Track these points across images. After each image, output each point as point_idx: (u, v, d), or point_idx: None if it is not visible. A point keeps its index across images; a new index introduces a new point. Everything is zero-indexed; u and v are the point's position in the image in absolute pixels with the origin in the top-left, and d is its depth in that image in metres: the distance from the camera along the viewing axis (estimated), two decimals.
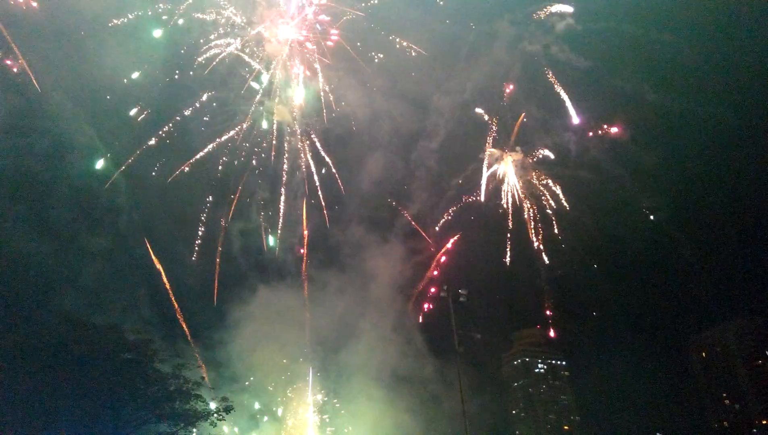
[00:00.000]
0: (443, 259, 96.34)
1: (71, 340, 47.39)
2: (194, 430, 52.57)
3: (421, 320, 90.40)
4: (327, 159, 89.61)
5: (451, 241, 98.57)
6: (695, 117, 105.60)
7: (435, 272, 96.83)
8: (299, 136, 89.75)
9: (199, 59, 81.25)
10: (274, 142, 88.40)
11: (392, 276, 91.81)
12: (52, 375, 45.85)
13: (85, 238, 72.32)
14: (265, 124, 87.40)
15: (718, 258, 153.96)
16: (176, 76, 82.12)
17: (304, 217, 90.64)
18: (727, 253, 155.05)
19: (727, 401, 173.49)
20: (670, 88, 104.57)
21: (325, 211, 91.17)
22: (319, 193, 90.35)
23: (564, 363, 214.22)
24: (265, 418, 79.14)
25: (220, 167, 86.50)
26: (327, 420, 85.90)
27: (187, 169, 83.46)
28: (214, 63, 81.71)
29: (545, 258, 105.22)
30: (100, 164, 78.79)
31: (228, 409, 54.45)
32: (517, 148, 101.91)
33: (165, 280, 79.67)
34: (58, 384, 46.28)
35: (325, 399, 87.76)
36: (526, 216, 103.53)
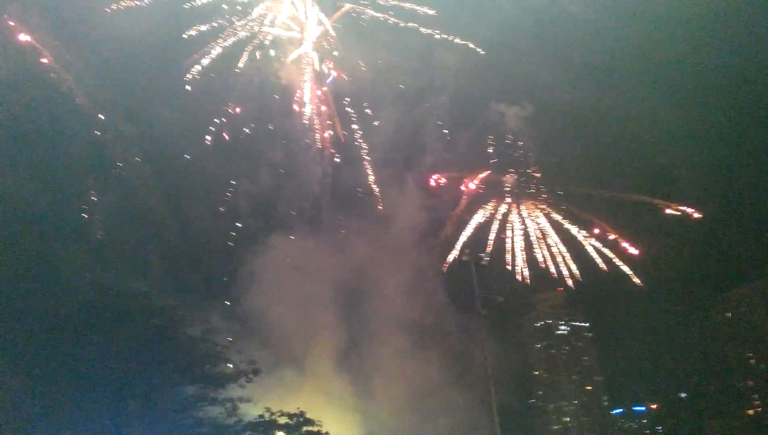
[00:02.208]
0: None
1: (102, 307, 48.62)
2: (223, 391, 53.78)
3: (445, 269, 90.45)
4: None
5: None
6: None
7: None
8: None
9: None
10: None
11: (415, 223, 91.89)
12: (84, 341, 47.21)
13: (101, 195, 72.66)
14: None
15: (744, 217, 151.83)
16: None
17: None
18: (753, 212, 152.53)
19: (752, 361, 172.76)
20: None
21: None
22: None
23: (587, 324, 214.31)
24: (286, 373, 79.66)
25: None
26: (350, 371, 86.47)
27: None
28: None
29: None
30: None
31: (256, 372, 55.56)
32: None
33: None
34: (89, 350, 47.65)
35: (348, 351, 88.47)
36: None
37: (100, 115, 77.38)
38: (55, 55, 72.10)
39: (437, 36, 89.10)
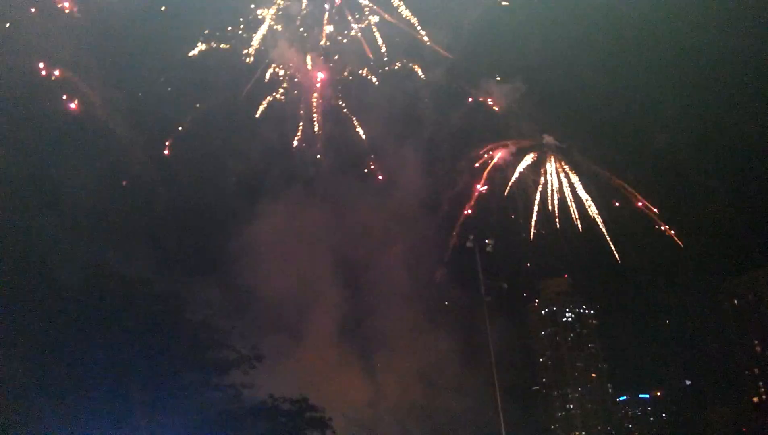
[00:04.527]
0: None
1: (102, 293, 48.33)
2: (225, 377, 53.57)
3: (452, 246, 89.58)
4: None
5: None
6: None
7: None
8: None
9: None
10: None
11: (420, 195, 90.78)
12: (84, 328, 46.96)
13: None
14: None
15: (752, 204, 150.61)
16: None
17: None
18: (761, 198, 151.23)
19: (758, 349, 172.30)
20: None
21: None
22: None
23: (592, 311, 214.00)
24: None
25: None
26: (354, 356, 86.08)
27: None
28: None
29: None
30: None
31: (259, 357, 55.26)
32: None
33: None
34: (89, 337, 47.40)
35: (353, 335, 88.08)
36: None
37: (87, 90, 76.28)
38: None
39: None
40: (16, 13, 68.06)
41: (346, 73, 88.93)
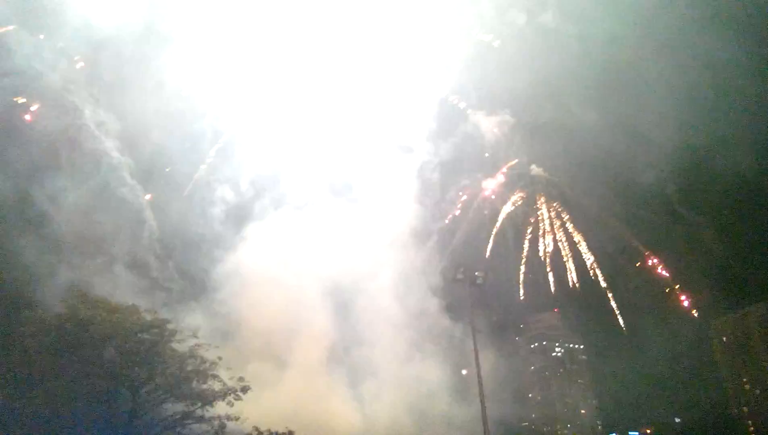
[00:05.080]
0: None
1: (88, 321, 47.81)
2: (210, 409, 52.73)
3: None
4: None
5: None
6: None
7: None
8: None
9: None
10: None
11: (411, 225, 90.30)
12: (68, 356, 46.37)
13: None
14: None
15: (740, 242, 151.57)
16: None
17: None
18: (749, 236, 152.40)
19: (747, 386, 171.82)
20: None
21: None
22: None
23: (581, 347, 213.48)
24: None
25: None
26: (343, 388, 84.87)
27: None
28: None
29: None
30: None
31: (245, 389, 54.55)
32: None
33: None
34: (73, 366, 46.79)
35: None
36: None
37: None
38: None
39: None
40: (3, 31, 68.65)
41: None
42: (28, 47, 70.02)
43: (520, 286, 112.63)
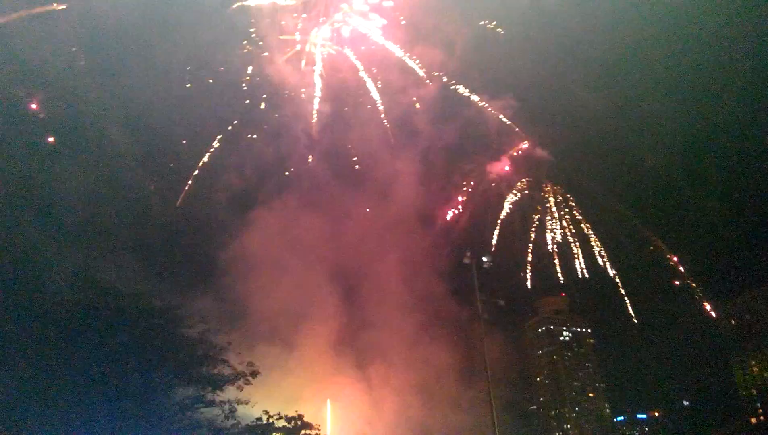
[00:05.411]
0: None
1: (99, 307, 48.28)
2: (221, 393, 53.25)
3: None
4: None
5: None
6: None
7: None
8: None
9: None
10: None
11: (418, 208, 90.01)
12: (80, 342, 46.81)
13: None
14: None
15: (750, 223, 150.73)
16: None
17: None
18: (759, 218, 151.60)
19: (755, 369, 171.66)
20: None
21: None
22: None
23: (589, 331, 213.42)
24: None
25: None
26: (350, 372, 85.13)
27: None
28: None
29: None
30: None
31: (254, 374, 55.03)
32: None
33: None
34: (85, 350, 47.24)
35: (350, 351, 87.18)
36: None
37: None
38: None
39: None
40: (10, 20, 68.45)
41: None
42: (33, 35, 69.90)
43: (528, 271, 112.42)
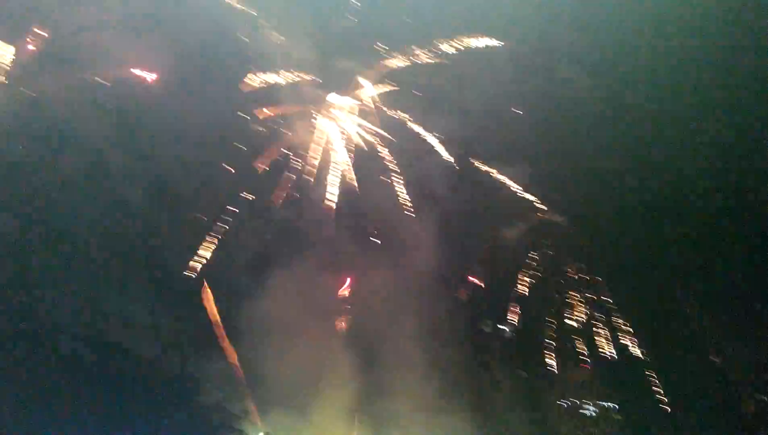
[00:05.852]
0: None
1: (112, 371, 48.18)
2: None
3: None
4: None
5: None
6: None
7: None
8: None
9: None
10: None
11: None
12: (91, 408, 46.46)
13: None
14: None
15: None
16: None
17: None
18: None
19: None
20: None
21: None
22: None
23: (615, 405, 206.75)
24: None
25: None
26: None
27: None
28: None
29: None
30: None
31: None
32: None
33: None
34: (96, 417, 46.83)
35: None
36: None
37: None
38: None
39: None
40: None
41: None
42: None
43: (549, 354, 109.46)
